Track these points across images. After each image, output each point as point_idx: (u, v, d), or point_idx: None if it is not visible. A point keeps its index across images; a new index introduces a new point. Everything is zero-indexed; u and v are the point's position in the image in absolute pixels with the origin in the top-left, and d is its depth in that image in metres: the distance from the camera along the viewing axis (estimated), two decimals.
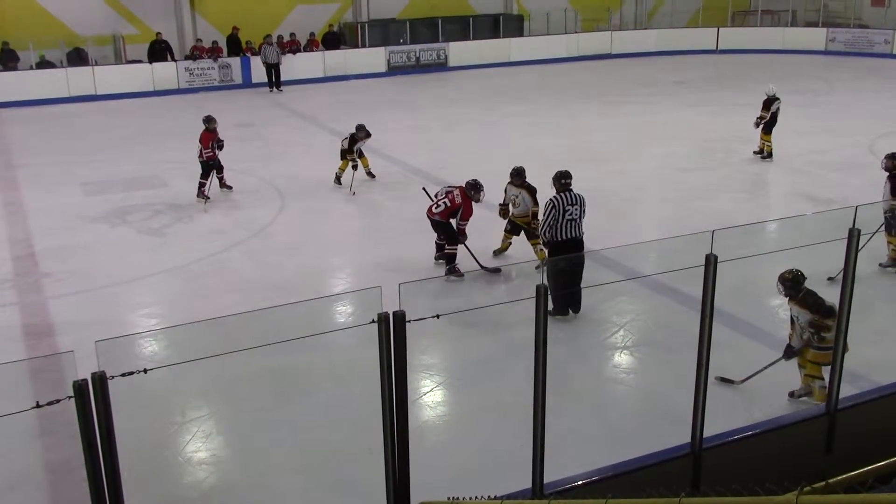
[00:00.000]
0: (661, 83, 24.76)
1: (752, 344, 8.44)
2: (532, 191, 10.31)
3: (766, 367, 7.31)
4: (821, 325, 6.85)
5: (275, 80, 24.60)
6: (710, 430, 5.82)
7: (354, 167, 14.12)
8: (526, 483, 5.29)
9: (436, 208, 9.99)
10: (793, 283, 6.96)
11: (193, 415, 7.31)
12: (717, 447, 5.83)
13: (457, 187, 10.09)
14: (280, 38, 25.38)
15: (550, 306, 8.45)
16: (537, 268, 9.83)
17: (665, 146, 16.68)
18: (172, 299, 9.94)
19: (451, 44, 28.15)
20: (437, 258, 10.37)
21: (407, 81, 26.22)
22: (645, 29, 31.86)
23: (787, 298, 7.08)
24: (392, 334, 4.72)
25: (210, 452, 6.75)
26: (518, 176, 10.36)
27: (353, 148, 14.08)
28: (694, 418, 5.72)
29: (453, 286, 9.71)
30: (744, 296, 9.16)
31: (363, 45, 27.52)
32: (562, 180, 9.15)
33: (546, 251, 9.40)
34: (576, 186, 9.15)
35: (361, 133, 14.19)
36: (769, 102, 15.35)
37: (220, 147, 13.67)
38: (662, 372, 7.93)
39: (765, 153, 15.43)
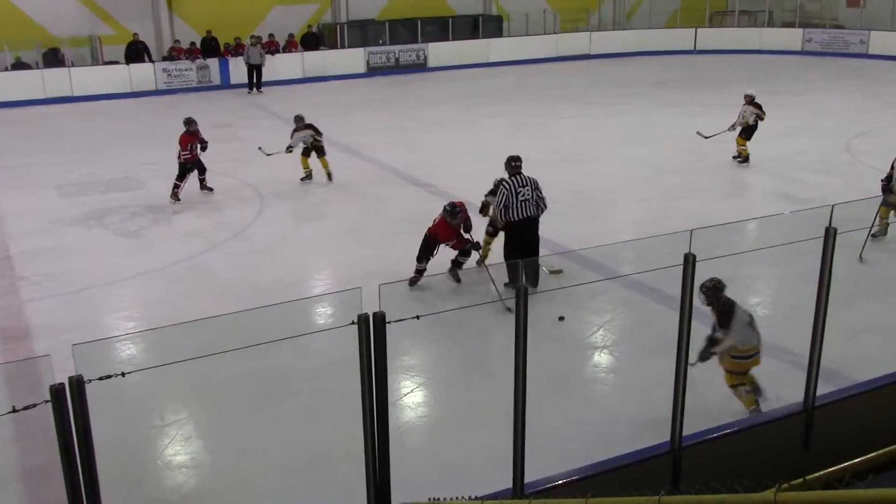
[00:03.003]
0: (640, 84, 24.87)
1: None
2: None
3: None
4: (712, 339, 6.85)
5: (256, 81, 24.51)
6: (689, 429, 5.86)
7: (289, 151, 14.24)
8: (507, 483, 5.30)
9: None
10: (713, 292, 6.89)
11: (172, 418, 7.27)
12: (696, 445, 5.86)
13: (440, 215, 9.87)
14: (259, 38, 25.32)
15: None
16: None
17: (644, 146, 16.75)
18: (150, 302, 9.87)
19: (431, 44, 28.15)
20: (450, 272, 9.88)
21: (386, 82, 26.19)
22: (623, 29, 31.99)
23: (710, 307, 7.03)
24: (372, 336, 4.71)
25: (189, 456, 6.71)
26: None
27: (291, 135, 14.27)
28: (673, 417, 5.75)
29: (434, 287, 9.71)
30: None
31: (342, 46, 27.47)
32: (512, 163, 9.66)
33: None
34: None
35: (300, 123, 14.30)
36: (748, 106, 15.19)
37: (204, 148, 13.61)
38: (642, 371, 7.96)
39: (741, 157, 15.37)
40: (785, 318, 9.05)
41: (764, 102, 15.44)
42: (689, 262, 5.55)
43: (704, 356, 6.84)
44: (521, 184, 9.50)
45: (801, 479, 3.75)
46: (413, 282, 9.60)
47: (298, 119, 14.45)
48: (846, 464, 4.39)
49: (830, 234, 5.97)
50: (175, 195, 13.38)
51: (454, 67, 27.74)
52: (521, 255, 9.24)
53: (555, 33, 30.49)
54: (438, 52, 28.14)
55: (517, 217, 9.46)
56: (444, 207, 9.74)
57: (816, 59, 28.71)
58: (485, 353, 8.10)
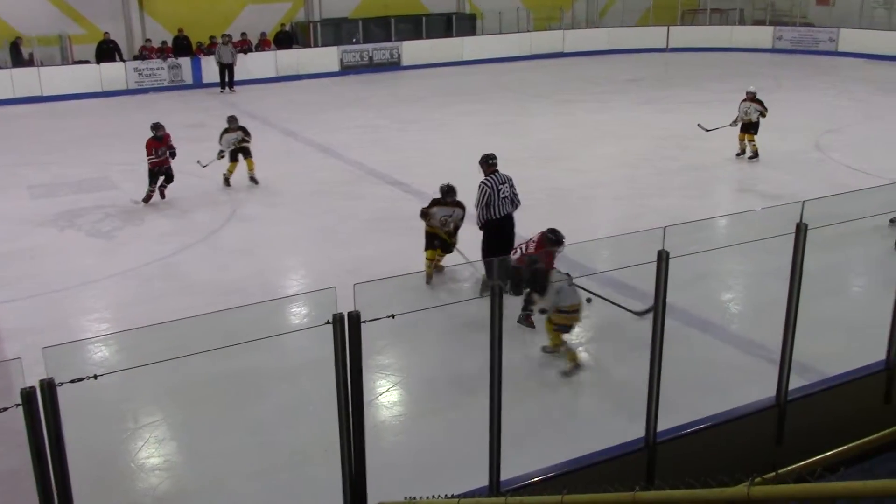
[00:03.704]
0: (614, 81, 24.99)
1: (703, 337, 8.57)
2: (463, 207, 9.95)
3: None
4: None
5: (228, 80, 24.37)
6: (663, 424, 5.90)
7: (221, 157, 14.14)
8: (483, 481, 5.31)
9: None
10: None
11: (146, 420, 7.21)
12: (671, 441, 5.91)
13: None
14: (230, 37, 25.22)
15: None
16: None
17: (618, 144, 16.84)
18: (123, 303, 9.79)
19: (404, 43, 28.12)
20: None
21: (360, 81, 26.13)
22: (596, 28, 32.12)
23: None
24: (347, 335, 4.70)
25: (163, 458, 6.66)
26: (450, 194, 9.91)
27: (220, 140, 14.19)
28: (648, 413, 5.79)
29: (409, 285, 9.69)
30: (695, 290, 9.28)
31: (316, 45, 27.39)
32: (489, 161, 9.72)
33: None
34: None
35: (232, 125, 14.22)
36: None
37: (173, 156, 13.42)
38: (617, 367, 8.00)
39: (750, 153, 15.35)
40: (757, 314, 9.15)
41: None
42: (663, 258, 5.59)
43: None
44: (500, 181, 9.55)
45: (773, 473, 3.78)
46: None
47: (232, 120, 14.38)
48: (818, 457, 4.44)
49: (801, 230, 6.04)
50: (147, 199, 13.25)
51: (428, 66, 27.74)
52: (500, 253, 9.20)
53: (528, 31, 30.56)
54: (412, 50, 28.11)
55: (498, 214, 9.47)
56: (548, 236, 8.67)
57: (787, 57, 28.99)
58: (460, 352, 8.09)
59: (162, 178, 13.41)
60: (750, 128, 15.25)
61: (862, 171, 14.33)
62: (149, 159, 13.23)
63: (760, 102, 15.17)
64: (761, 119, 15.12)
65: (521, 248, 8.90)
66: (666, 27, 31.46)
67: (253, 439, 6.91)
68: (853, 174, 14.19)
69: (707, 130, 15.70)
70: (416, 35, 28.66)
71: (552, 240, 8.61)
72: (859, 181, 13.07)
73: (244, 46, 25.56)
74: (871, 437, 4.72)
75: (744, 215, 10.26)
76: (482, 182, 9.59)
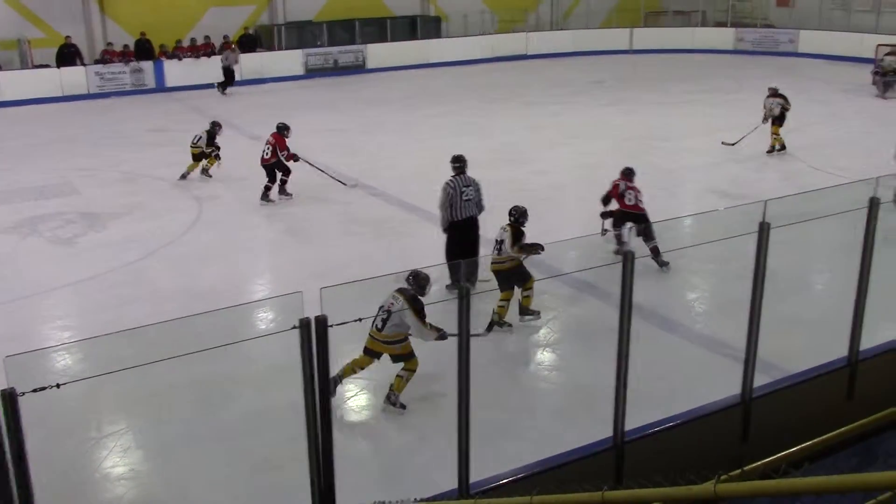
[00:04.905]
0: (578, 83, 25.13)
1: (669, 336, 8.64)
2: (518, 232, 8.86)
3: None
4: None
5: (226, 82, 24.37)
6: (631, 424, 5.94)
7: (217, 157, 14.66)
8: (452, 483, 5.31)
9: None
10: (519, 215, 8.61)
11: (110, 429, 7.11)
12: (639, 440, 5.95)
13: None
14: (193, 41, 25.02)
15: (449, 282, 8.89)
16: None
17: (582, 146, 16.94)
18: (87, 311, 9.66)
19: (369, 46, 28.07)
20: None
21: (325, 84, 26.02)
22: (560, 30, 32.29)
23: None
24: (314, 339, 4.68)
25: (129, 467, 6.57)
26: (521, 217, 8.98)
27: (214, 143, 14.63)
28: (616, 412, 5.83)
29: (375, 289, 9.67)
30: (661, 290, 9.36)
31: (280, 48, 27.24)
32: (455, 163, 9.73)
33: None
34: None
35: (219, 128, 14.78)
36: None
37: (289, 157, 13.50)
38: (585, 367, 8.04)
39: (777, 147, 15.91)
40: (722, 312, 9.24)
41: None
42: (629, 259, 5.63)
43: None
44: (465, 183, 9.59)
45: (739, 470, 3.83)
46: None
47: (218, 124, 14.95)
48: (782, 453, 4.50)
49: (764, 229, 6.12)
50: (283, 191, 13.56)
51: (393, 68, 27.71)
52: (462, 256, 9.31)
53: (493, 34, 30.64)
54: (377, 53, 28.07)
55: (461, 216, 9.54)
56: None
57: (748, 58, 29.34)
58: (428, 354, 8.08)
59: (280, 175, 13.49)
60: (776, 121, 15.82)
61: (823, 170, 14.55)
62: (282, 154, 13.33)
63: (783, 97, 15.80)
64: (787, 113, 15.75)
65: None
66: (629, 29, 31.69)
67: (220, 446, 6.85)
68: (815, 173, 14.40)
69: (732, 144, 16.04)
70: (381, 38, 28.61)
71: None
72: (821, 180, 13.27)
73: (207, 50, 25.36)
74: (833, 433, 4.79)
75: (708, 215, 10.35)
76: (446, 183, 9.64)
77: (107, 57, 24.56)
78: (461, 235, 9.60)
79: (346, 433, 6.80)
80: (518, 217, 8.83)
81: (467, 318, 5.12)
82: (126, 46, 24.78)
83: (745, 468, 3.94)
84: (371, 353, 7.18)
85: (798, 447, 4.51)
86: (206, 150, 14.74)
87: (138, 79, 24.49)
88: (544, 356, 8.48)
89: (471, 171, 9.86)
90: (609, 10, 33.13)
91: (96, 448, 6.81)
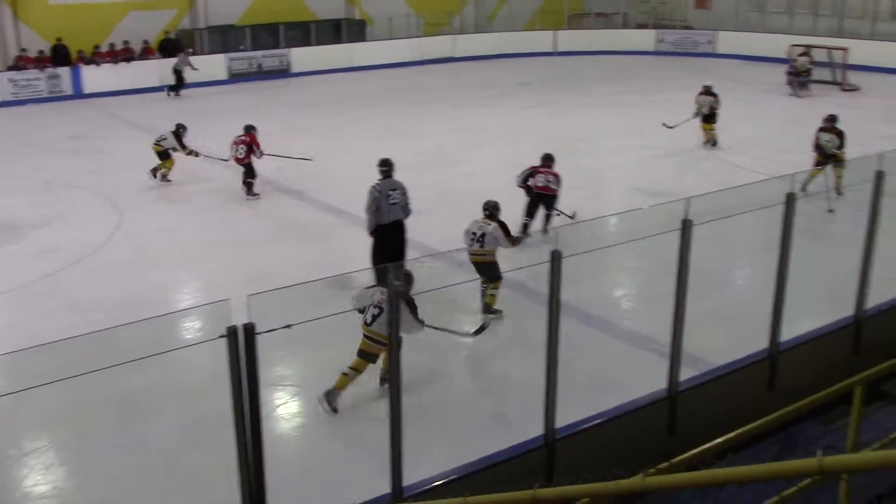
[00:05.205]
0: (504, 85, 25.33)
1: (598, 334, 8.76)
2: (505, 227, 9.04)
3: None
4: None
5: (177, 85, 24.10)
6: (561, 422, 6.00)
7: (196, 154, 14.68)
8: (385, 488, 5.30)
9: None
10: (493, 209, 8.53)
11: (31, 446, 6.90)
12: (569, 437, 6.03)
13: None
14: (112, 46, 24.49)
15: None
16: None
17: (509, 147, 17.05)
18: (5, 324, 9.34)
19: (294, 50, 27.81)
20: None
21: (249, 89, 25.66)
22: (485, 32, 32.48)
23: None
24: (242, 348, 4.62)
25: (52, 485, 6.38)
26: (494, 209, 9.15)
27: (183, 145, 14.57)
28: (546, 411, 5.89)
29: (306, 294, 9.58)
30: (588, 288, 9.48)
31: (202, 53, 26.78)
32: (382, 167, 9.78)
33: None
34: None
35: (184, 130, 14.71)
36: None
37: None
38: (516, 367, 8.09)
39: (711, 142, 16.67)
40: (648, 309, 9.41)
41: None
42: (556, 258, 5.70)
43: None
44: (391, 187, 9.61)
45: (667, 463, 3.90)
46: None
47: (183, 126, 14.88)
48: (708, 445, 4.59)
49: (687, 226, 6.26)
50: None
51: (318, 72, 27.51)
52: (389, 259, 9.31)
53: (418, 37, 30.68)
54: (302, 57, 27.82)
55: (387, 220, 9.55)
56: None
57: (669, 59, 29.97)
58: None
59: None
60: (708, 118, 16.59)
61: (742, 167, 14.94)
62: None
63: (715, 96, 16.52)
64: (716, 112, 16.55)
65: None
66: (553, 31, 32.08)
67: (148, 460, 6.71)
68: (734, 171, 14.78)
69: (671, 127, 16.62)
70: (306, 41, 28.39)
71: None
72: (740, 177, 13.60)
73: (126, 55, 24.83)
74: (756, 424, 4.92)
75: (632, 213, 10.54)
76: (372, 187, 9.64)
77: (21, 63, 23.85)
78: (387, 239, 9.61)
79: (276, 442, 6.72)
80: (492, 211, 9.05)
81: (398, 320, 5.11)
82: (41, 52, 24.09)
83: (673, 461, 4.02)
84: (366, 356, 7.16)
85: (723, 438, 4.62)
86: (185, 153, 14.64)
87: (54, 85, 23.83)
88: (476, 357, 8.51)
89: (399, 174, 9.86)
90: (532, 13, 33.47)
91: (16, 466, 6.60)
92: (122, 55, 24.65)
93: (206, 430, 6.84)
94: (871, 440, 4.66)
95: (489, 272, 8.82)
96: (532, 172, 11.47)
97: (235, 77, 26.55)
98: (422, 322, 7.16)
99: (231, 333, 4.56)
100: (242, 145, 13.60)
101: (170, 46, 26.21)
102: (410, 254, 9.88)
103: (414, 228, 9.98)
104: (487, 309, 8.89)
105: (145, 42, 25.94)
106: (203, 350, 4.91)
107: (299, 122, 20.46)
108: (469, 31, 32.33)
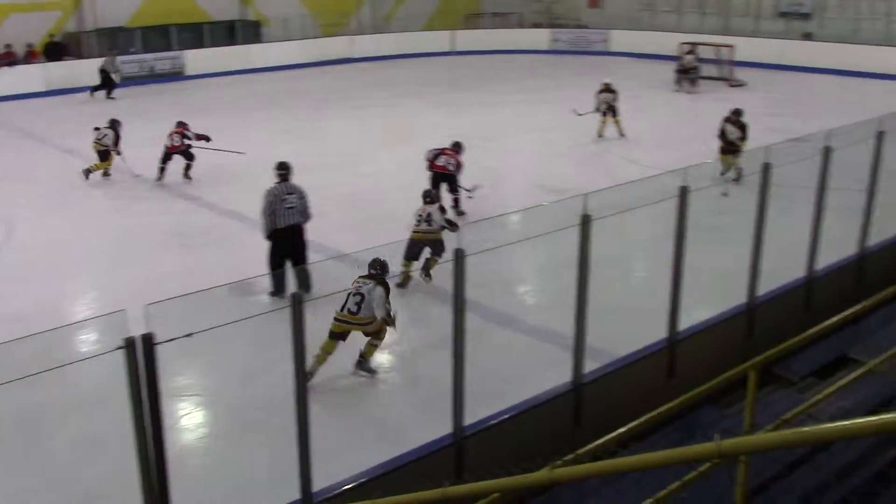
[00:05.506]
0: (404, 85, 25.35)
1: (503, 331, 8.86)
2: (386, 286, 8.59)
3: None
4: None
5: (102, 86, 23.45)
6: (470, 418, 6.04)
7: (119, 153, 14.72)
8: (295, 494, 5.24)
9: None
10: (382, 268, 7.98)
11: None
12: (478, 434, 6.07)
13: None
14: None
15: (272, 290, 9.38)
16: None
17: (410, 148, 17.00)
18: None
19: (187, 52, 27.12)
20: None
21: (141, 92, 24.85)
22: (383, 33, 32.42)
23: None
24: (141, 359, 4.50)
25: None
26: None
27: (118, 142, 14.76)
28: (454, 408, 5.92)
29: (205, 302, 9.38)
30: (493, 286, 9.58)
31: (90, 56, 25.86)
32: (279, 170, 9.77)
33: None
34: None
35: (119, 125, 14.92)
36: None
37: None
38: (423, 366, 8.12)
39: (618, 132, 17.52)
40: (551, 304, 9.56)
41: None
42: (460, 256, 5.73)
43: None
44: (287, 191, 9.52)
45: (572, 455, 3.97)
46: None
47: (118, 122, 15.14)
48: (612, 434, 4.70)
49: (586, 221, 6.39)
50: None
51: (214, 75, 26.91)
52: (283, 264, 9.37)
53: (315, 38, 30.39)
54: (196, 59, 27.17)
55: (283, 224, 9.45)
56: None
57: (564, 58, 30.53)
58: (263, 365, 7.93)
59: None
60: (608, 113, 17.48)
61: (637, 162, 15.33)
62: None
63: (614, 92, 17.52)
64: (615, 106, 17.48)
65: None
66: (451, 31, 32.27)
67: (44, 479, 6.45)
68: (630, 166, 15.14)
69: (580, 115, 17.38)
70: (199, 43, 27.75)
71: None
72: (635, 172, 13.95)
73: (9, 59, 23.81)
74: (657, 411, 5.06)
75: (533, 210, 10.69)
76: (267, 190, 9.57)
77: None
78: (283, 243, 9.53)
79: (181, 454, 6.56)
80: (433, 198, 10.40)
81: (301, 324, 5.05)
82: None
83: (578, 452, 4.10)
84: (337, 336, 7.64)
85: (626, 427, 4.74)
86: (115, 151, 14.68)
87: None
88: (382, 358, 8.48)
89: (299, 177, 9.76)
90: (429, 13, 33.59)
91: None
92: (4, 59, 23.61)
93: (107, 445, 6.63)
94: (765, 422, 4.84)
95: (435, 246, 9.81)
96: (440, 153, 12.56)
97: (126, 81, 25.67)
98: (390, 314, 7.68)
99: (129, 344, 4.44)
100: (176, 135, 14.42)
101: (55, 50, 25.25)
102: (313, 257, 9.79)
103: (315, 231, 9.89)
104: (427, 272, 9.77)
105: (29, 45, 24.93)
106: (101, 363, 4.75)
107: (195, 125, 19.94)
108: (367, 32, 32.19)
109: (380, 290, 7.61)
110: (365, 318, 7.56)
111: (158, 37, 27.04)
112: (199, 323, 4.78)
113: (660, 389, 6.53)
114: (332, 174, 14.54)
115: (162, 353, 4.58)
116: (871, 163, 9.29)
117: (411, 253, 9.86)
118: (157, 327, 4.56)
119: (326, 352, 7.58)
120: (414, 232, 9.90)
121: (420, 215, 10.04)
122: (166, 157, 14.51)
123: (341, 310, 7.60)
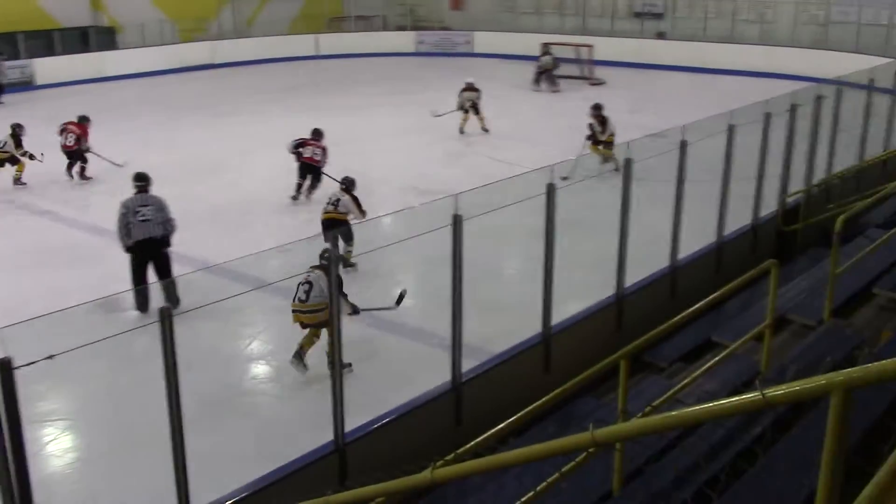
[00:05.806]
0: (268, 90, 24.97)
1: (383, 334, 8.84)
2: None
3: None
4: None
5: None
6: (351, 424, 6.00)
7: (32, 157, 14.48)
8: None
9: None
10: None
11: None
12: (360, 439, 6.03)
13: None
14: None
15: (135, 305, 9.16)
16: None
17: (277, 155, 16.75)
18: None
19: (36, 60, 25.88)
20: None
21: None
22: (245, 38, 31.81)
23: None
24: None
25: None
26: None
27: (21, 146, 14.54)
28: (334, 415, 5.87)
29: (65, 321, 8.97)
30: (369, 289, 9.54)
31: None
32: (137, 182, 9.53)
33: None
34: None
35: (21, 129, 14.72)
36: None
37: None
38: (297, 375, 8.00)
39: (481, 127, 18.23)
40: (427, 305, 9.60)
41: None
42: (332, 261, 5.69)
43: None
44: (141, 202, 9.27)
45: (453, 454, 3.99)
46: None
47: (21, 126, 14.89)
48: (491, 431, 4.75)
49: (458, 222, 6.45)
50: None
51: (66, 84, 25.73)
52: (145, 279, 9.20)
53: (174, 44, 29.53)
54: (46, 67, 25.95)
55: (139, 236, 9.20)
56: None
57: (429, 59, 30.79)
58: (134, 383, 7.64)
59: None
60: (472, 109, 18.17)
61: (503, 161, 15.60)
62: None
63: (478, 90, 18.20)
64: (478, 104, 18.24)
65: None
66: (315, 35, 32.00)
67: None
68: (497, 165, 15.39)
69: (439, 115, 17.89)
70: (49, 51, 26.55)
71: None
72: (502, 171, 14.18)
73: None
74: (534, 405, 5.14)
75: (404, 212, 10.73)
76: (121, 203, 9.33)
77: None
78: (141, 257, 9.28)
79: (47, 482, 6.24)
80: (349, 186, 10.49)
81: (172, 340, 4.90)
82: None
83: (458, 451, 4.13)
84: (304, 326, 7.81)
85: (505, 423, 4.80)
86: (17, 155, 14.20)
87: None
88: (259, 369, 8.33)
89: (160, 187, 9.47)
90: (292, 17, 33.20)
91: None
92: None
93: None
94: (637, 409, 4.99)
95: (343, 231, 9.93)
96: (303, 143, 13.21)
97: None
98: (351, 304, 7.80)
99: None
100: (72, 134, 14.25)
101: None
102: (179, 269, 9.50)
103: (181, 242, 9.61)
104: (346, 263, 9.90)
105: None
106: None
107: (47, 138, 19.05)
108: (228, 37, 31.50)
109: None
110: (315, 305, 7.63)
111: (4, 44, 25.65)
112: (62, 344, 4.56)
113: (537, 384, 6.65)
114: (196, 183, 14.18)
115: (21, 377, 4.35)
116: (725, 155, 9.76)
117: (327, 236, 9.95)
118: (16, 351, 4.32)
119: (309, 341, 7.82)
120: (323, 213, 10.37)
121: (329, 198, 10.48)
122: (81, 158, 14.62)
123: (294, 300, 7.77)
